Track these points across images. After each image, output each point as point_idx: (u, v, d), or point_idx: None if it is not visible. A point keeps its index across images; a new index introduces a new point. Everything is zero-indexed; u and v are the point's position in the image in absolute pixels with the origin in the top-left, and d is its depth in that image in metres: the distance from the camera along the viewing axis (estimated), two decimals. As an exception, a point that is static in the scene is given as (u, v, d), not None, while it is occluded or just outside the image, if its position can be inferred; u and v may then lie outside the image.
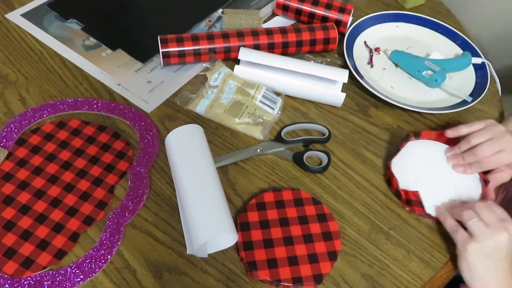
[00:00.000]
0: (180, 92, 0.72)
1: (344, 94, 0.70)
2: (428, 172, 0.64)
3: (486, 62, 0.77)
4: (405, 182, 0.62)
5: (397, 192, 0.62)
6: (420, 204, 0.59)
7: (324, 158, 0.65)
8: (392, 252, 0.57)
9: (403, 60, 0.78)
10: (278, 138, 0.66)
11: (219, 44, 0.73)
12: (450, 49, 0.82)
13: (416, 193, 0.59)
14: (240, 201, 0.60)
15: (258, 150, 0.65)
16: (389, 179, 0.63)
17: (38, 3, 0.83)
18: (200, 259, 0.55)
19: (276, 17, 0.86)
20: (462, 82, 0.77)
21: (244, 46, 0.74)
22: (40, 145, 0.63)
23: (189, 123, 0.63)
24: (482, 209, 0.54)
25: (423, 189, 0.60)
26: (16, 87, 0.70)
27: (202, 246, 0.52)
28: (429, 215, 0.60)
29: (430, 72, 0.75)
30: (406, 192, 0.60)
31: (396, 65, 0.79)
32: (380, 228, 0.60)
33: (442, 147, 0.67)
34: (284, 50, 0.76)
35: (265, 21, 0.85)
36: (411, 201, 0.60)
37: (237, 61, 0.74)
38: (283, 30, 0.75)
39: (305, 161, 0.64)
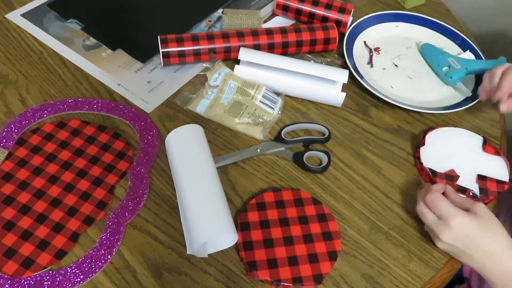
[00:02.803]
0: (180, 92, 0.71)
1: (344, 94, 0.70)
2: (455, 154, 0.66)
3: None
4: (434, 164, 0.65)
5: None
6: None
7: (324, 158, 0.65)
8: (392, 252, 0.57)
9: (428, 53, 0.79)
10: (278, 138, 0.67)
11: (219, 44, 0.73)
12: (450, 48, 0.82)
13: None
14: (240, 201, 0.60)
15: (258, 150, 0.65)
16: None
17: (38, 3, 0.83)
18: (200, 259, 0.55)
19: (276, 17, 0.86)
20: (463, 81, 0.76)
21: (244, 46, 0.74)
22: (40, 145, 0.63)
23: (189, 123, 0.63)
24: (430, 204, 0.56)
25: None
26: (16, 87, 0.70)
27: (202, 246, 0.52)
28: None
29: (449, 69, 0.75)
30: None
31: (396, 66, 0.79)
32: (380, 228, 0.60)
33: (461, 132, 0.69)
34: (284, 50, 0.76)
35: (265, 21, 0.85)
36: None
37: (237, 61, 0.74)
38: (283, 30, 0.75)
39: (305, 161, 0.64)
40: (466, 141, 0.68)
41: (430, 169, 0.64)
